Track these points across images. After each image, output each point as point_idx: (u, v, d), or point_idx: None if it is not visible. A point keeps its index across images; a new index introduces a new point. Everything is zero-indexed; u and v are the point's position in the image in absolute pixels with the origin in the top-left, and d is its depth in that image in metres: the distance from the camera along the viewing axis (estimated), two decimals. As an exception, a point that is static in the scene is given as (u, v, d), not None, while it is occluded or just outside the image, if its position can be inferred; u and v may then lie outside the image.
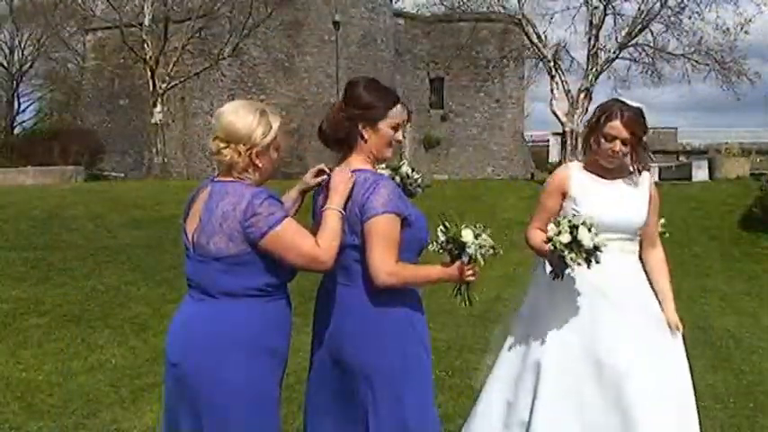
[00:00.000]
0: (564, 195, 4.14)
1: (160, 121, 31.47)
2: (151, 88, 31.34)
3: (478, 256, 3.39)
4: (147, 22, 31.08)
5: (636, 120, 3.97)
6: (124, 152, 37.52)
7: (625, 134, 3.95)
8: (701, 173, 26.55)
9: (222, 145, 3.24)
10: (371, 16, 36.24)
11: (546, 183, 4.28)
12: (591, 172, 4.14)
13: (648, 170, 4.27)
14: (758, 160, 31.11)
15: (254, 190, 3.21)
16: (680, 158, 36.84)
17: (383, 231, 3.36)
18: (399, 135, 3.59)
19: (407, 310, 3.46)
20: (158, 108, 31.27)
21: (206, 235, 3.23)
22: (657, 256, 4.24)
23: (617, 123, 3.96)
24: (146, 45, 30.99)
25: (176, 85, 32.31)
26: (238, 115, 3.24)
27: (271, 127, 3.26)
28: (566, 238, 3.73)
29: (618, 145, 3.97)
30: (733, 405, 5.52)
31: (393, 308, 3.41)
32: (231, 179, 3.28)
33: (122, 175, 34.34)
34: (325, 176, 3.64)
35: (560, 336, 4.05)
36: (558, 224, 3.80)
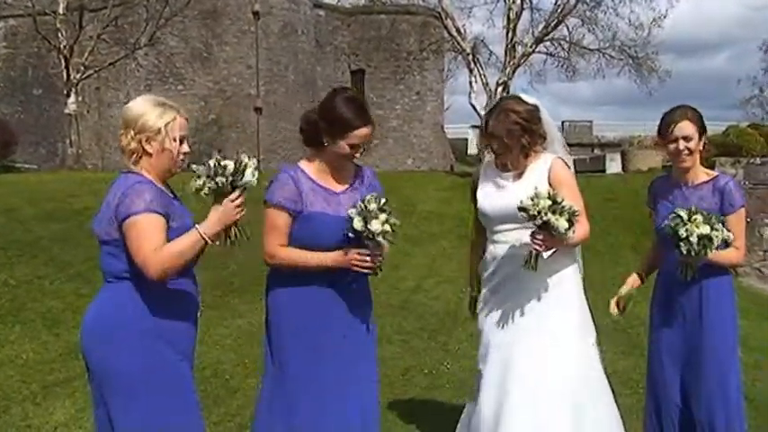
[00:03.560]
0: None
1: (74, 111, 30.69)
2: (65, 78, 30.53)
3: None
4: (61, 10, 30.24)
5: (507, 119, 4.11)
6: (37, 143, 36.53)
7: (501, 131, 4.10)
8: (614, 165, 27.12)
9: (121, 131, 3.43)
10: (292, 7, 35.96)
11: None
12: (496, 167, 4.25)
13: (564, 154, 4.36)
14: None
15: (137, 179, 3.33)
16: (595, 151, 37.62)
17: (267, 220, 3.76)
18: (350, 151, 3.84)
19: None
20: (72, 98, 30.47)
21: (97, 221, 3.40)
22: None
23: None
24: (60, 34, 30.15)
25: (91, 74, 31.53)
26: (135, 103, 3.45)
27: (162, 116, 3.39)
28: (545, 202, 3.82)
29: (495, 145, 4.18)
30: (642, 390, 5.67)
31: None
32: (131, 171, 3.41)
33: (35, 167, 33.43)
34: None
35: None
36: (534, 198, 3.86)
